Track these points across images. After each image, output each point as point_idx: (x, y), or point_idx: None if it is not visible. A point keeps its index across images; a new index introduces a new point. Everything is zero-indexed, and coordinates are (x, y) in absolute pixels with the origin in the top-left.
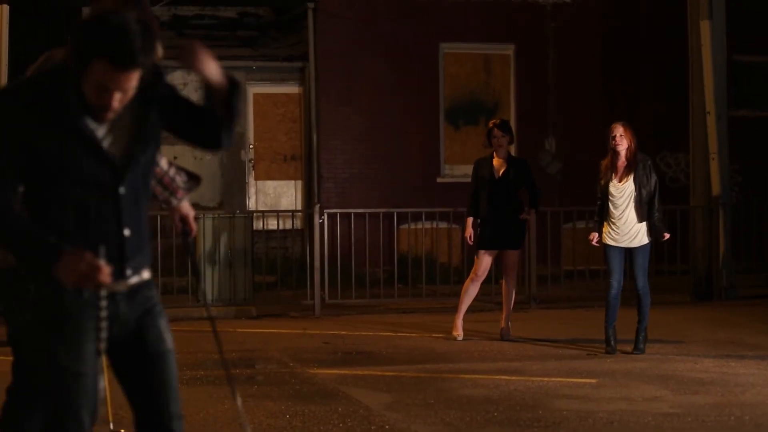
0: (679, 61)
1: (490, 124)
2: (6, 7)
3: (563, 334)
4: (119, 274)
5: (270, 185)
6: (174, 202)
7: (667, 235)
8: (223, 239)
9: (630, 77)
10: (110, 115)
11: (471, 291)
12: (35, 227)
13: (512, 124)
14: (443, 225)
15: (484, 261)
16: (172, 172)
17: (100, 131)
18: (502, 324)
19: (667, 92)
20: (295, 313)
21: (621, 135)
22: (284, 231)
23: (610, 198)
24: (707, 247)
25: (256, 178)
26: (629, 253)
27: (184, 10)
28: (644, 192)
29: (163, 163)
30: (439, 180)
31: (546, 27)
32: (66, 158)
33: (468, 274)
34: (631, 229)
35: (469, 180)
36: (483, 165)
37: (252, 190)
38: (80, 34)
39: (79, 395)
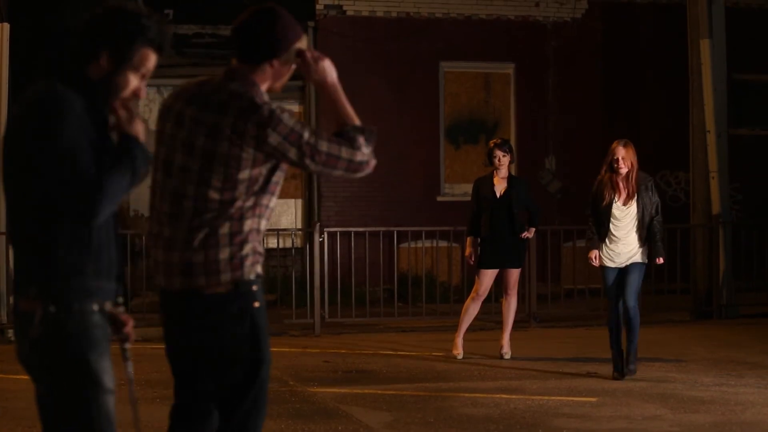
0: (680, 80)
1: (491, 144)
2: (6, 26)
3: (563, 352)
4: (115, 295)
5: None
6: None
7: (661, 260)
8: None
9: (630, 96)
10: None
11: (471, 310)
12: None
13: (512, 142)
14: (443, 244)
15: (485, 280)
16: None
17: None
18: (502, 342)
19: (667, 111)
20: (295, 331)
21: (623, 158)
22: (284, 250)
23: (614, 221)
24: (707, 265)
25: None
26: (622, 271)
27: (184, 28)
28: (646, 214)
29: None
30: (439, 199)
31: (546, 46)
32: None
33: (468, 293)
34: (630, 251)
35: (469, 199)
36: (484, 184)
37: None
38: (125, 24)
39: (112, 415)
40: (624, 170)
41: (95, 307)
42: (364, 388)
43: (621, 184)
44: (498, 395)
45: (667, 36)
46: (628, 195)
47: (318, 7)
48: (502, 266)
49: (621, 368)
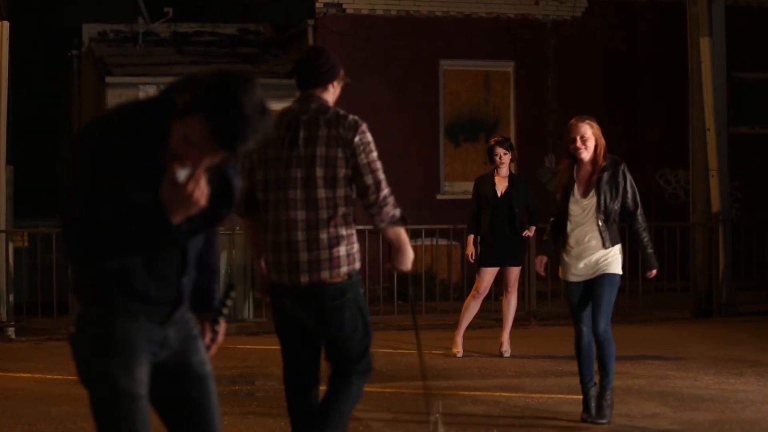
0: (679, 78)
1: (492, 142)
2: (6, 24)
3: (563, 350)
4: (170, 315)
5: None
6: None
7: (654, 273)
8: (223, 256)
9: (630, 94)
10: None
11: (472, 308)
12: None
13: (512, 141)
14: (443, 242)
15: (486, 278)
16: None
17: (182, 174)
18: (502, 340)
19: (667, 109)
20: None
21: (581, 138)
22: None
23: (570, 219)
24: (707, 263)
25: None
26: (589, 285)
27: (184, 26)
28: (611, 206)
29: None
30: (438, 197)
31: (546, 44)
32: (146, 202)
33: (468, 291)
34: (595, 259)
35: (469, 197)
36: (484, 183)
37: None
38: (206, 90)
39: (138, 419)
40: (586, 155)
41: (127, 315)
42: (363, 386)
43: (581, 172)
44: (498, 393)
45: (666, 34)
46: (588, 183)
47: (318, 5)
48: (503, 264)
49: (590, 408)
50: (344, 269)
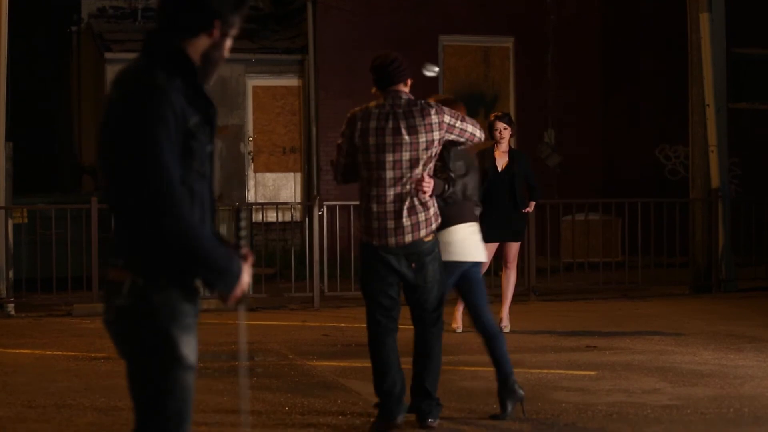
0: (679, 54)
1: (492, 117)
2: None
3: (562, 326)
4: None
5: (269, 178)
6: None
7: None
8: (223, 231)
9: (629, 69)
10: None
11: None
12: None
13: (512, 116)
14: None
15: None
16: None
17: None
18: (502, 316)
19: (667, 85)
20: (294, 305)
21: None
22: (283, 223)
23: None
24: (706, 239)
25: (256, 171)
26: None
27: None
28: (439, 184)
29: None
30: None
31: (546, 20)
32: (202, 147)
33: None
34: None
35: None
36: (485, 157)
37: (251, 183)
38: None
39: (189, 391)
40: None
41: (187, 284)
42: (363, 362)
43: None
44: None
45: (666, 10)
46: None
47: None
48: (502, 240)
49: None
50: (434, 227)
